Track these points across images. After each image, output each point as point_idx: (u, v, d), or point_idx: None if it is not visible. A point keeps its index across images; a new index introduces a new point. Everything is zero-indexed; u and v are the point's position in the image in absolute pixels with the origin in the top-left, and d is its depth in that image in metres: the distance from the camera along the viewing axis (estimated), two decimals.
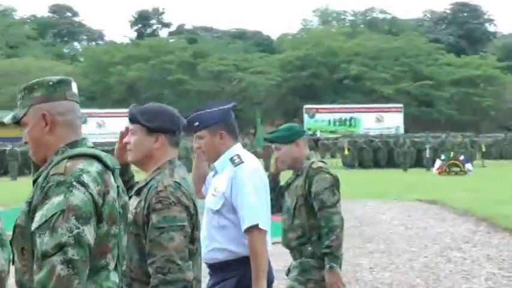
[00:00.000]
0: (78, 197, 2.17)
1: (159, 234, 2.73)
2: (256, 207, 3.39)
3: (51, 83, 2.40)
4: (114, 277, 2.32)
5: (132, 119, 3.00)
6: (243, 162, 3.49)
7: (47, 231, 2.13)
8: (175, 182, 2.82)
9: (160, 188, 2.79)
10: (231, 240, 3.48)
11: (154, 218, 2.75)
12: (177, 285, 2.69)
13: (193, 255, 2.86)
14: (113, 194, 2.30)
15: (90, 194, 2.20)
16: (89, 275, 2.20)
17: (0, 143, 36.18)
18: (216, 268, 3.56)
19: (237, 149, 3.59)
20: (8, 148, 33.57)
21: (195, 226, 2.86)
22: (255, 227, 3.37)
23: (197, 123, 3.55)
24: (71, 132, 2.40)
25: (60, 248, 2.12)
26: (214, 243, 3.51)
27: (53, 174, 2.23)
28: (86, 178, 2.21)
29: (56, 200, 2.16)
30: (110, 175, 2.33)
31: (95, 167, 2.27)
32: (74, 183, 2.19)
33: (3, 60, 61.60)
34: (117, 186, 2.37)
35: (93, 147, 2.40)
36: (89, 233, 2.17)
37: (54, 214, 2.15)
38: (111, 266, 2.30)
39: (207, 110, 3.57)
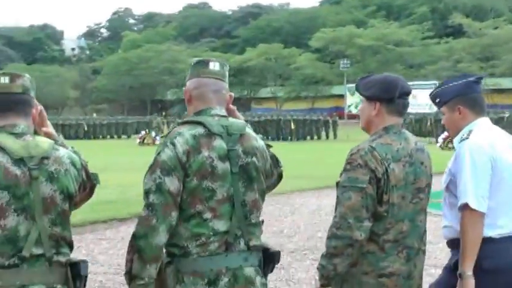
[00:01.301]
0: (166, 154, 2.70)
1: (341, 192, 3.00)
2: (469, 184, 3.20)
3: (192, 63, 2.95)
4: (217, 225, 2.73)
5: (356, 89, 3.24)
6: (468, 138, 3.32)
7: (144, 180, 2.73)
8: (370, 146, 3.01)
9: (353, 151, 3.03)
10: (458, 219, 3.29)
11: (342, 177, 3.03)
12: (344, 241, 2.94)
13: (383, 217, 3.00)
14: (206, 153, 2.71)
15: (176, 152, 2.69)
16: (180, 221, 2.70)
17: (499, 110, 36.50)
18: (449, 245, 3.50)
19: (478, 124, 3.40)
20: (506, 115, 34.37)
21: (386, 189, 2.99)
22: (466, 207, 3.19)
23: (438, 100, 3.51)
24: (201, 103, 2.88)
25: (146, 193, 2.69)
26: (445, 220, 3.46)
27: (162, 136, 2.83)
28: (178, 139, 2.71)
29: (154, 155, 2.74)
30: (213, 139, 2.75)
31: (193, 131, 2.74)
32: (168, 143, 2.72)
33: None
34: (229, 150, 2.76)
35: (213, 115, 2.82)
36: (170, 182, 2.67)
37: (149, 166, 2.74)
38: (206, 215, 2.72)
39: (446, 86, 3.49)
